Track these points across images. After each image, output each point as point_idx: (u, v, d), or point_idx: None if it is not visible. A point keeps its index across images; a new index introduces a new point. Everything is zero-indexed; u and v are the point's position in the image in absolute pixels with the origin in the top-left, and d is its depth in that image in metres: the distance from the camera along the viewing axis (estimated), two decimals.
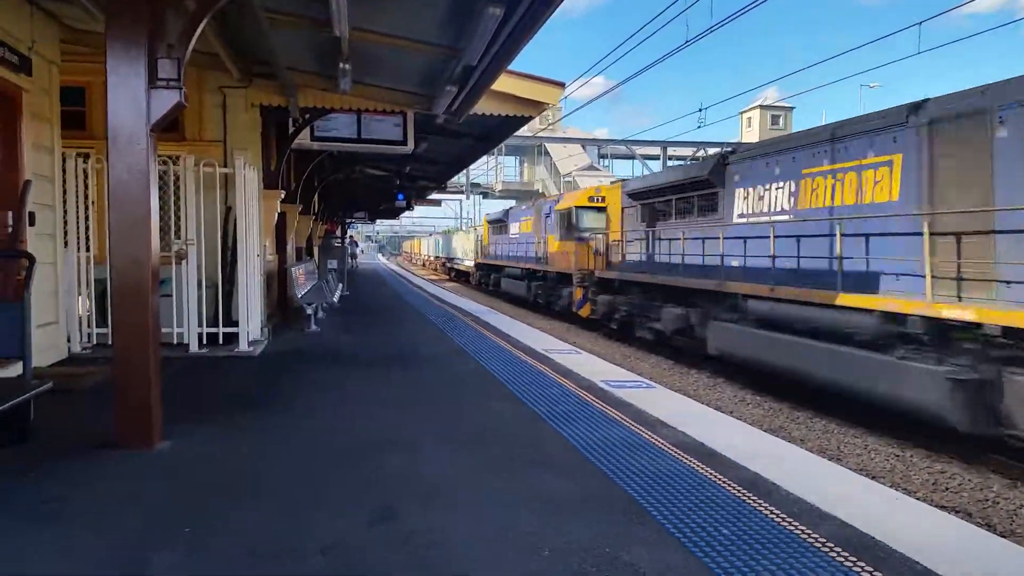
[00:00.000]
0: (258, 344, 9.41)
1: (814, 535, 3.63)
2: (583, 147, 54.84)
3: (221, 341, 9.08)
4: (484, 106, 10.45)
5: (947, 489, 7.72)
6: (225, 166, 9.46)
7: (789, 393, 12.21)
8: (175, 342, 8.79)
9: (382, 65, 9.04)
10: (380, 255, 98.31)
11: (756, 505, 4.03)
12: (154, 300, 4.90)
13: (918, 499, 7.14)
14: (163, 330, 8.72)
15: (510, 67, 9.57)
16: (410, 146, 11.56)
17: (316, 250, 20.49)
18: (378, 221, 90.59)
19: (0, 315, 4.76)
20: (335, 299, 13.76)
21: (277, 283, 13.17)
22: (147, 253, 4.81)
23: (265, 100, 10.33)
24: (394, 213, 40.85)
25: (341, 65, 8.43)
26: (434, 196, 32.84)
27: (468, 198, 59.48)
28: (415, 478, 4.46)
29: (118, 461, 4.60)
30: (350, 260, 41.94)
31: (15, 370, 5.39)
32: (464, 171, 53.08)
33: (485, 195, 62.12)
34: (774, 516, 3.87)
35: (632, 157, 53.76)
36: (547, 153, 57.81)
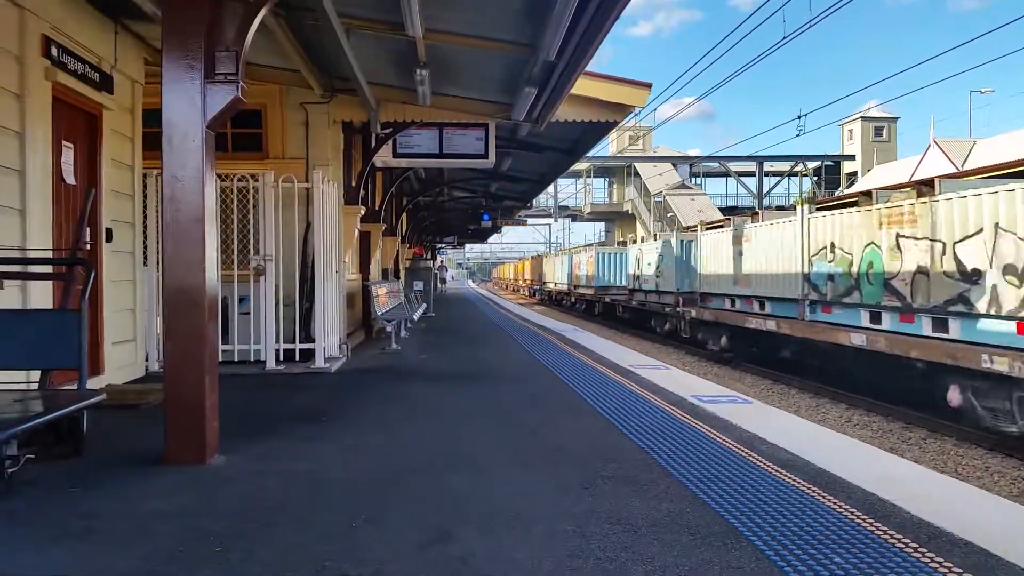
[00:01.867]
0: (335, 361, 9.22)
1: (946, 564, 3.01)
2: (674, 166, 53.73)
3: (298, 358, 8.92)
4: (566, 112, 10.09)
5: None
6: (307, 182, 9.38)
7: (899, 414, 11.28)
8: (252, 359, 8.69)
9: (460, 71, 8.79)
10: (470, 281, 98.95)
11: (874, 530, 3.41)
12: (210, 307, 4.66)
13: None
14: (240, 347, 8.74)
15: (592, 70, 9.23)
16: (491, 159, 11.29)
17: (403, 271, 20.48)
18: (467, 247, 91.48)
19: (56, 324, 4.61)
20: (415, 317, 13.54)
21: (360, 302, 13.06)
22: (201, 257, 4.58)
23: (347, 116, 10.27)
24: (482, 236, 40.92)
25: (418, 72, 8.22)
26: (522, 218, 32.19)
27: (556, 221, 59.23)
28: (480, 498, 4.03)
29: (167, 476, 4.34)
30: (440, 284, 42.30)
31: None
32: (552, 195, 52.97)
33: (574, 218, 61.83)
34: (896, 542, 3.25)
35: (726, 174, 52.35)
36: (636, 174, 56.98)
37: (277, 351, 8.74)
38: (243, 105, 4.85)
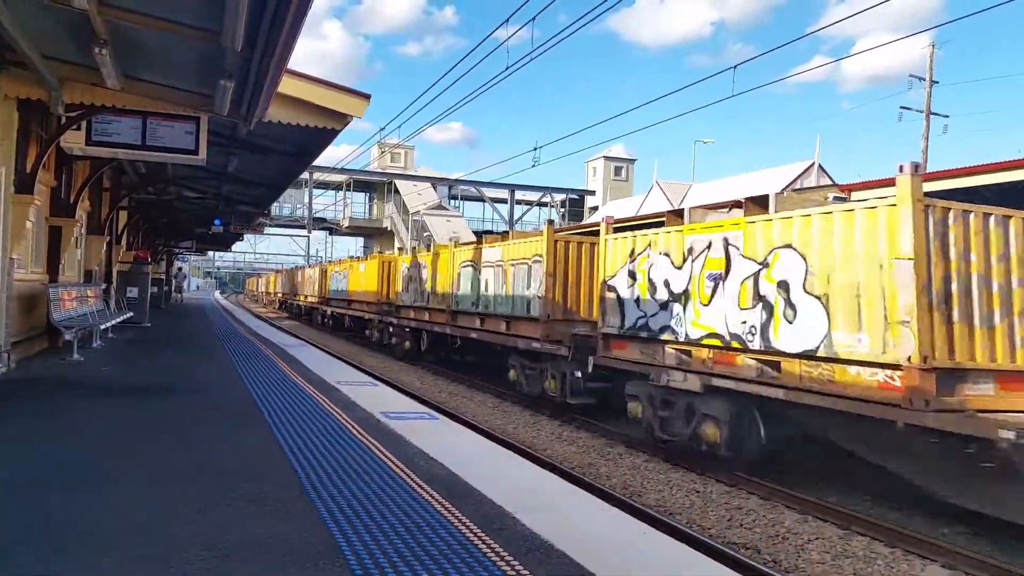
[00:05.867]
0: None
1: None
2: (433, 186, 54.36)
3: None
4: (281, 113, 9.61)
5: (741, 525, 7.46)
6: None
7: (605, 432, 11.94)
8: None
9: (152, 55, 8.04)
10: (218, 292, 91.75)
11: (479, 543, 3.37)
12: None
13: (711, 535, 6.88)
14: None
15: (311, 74, 8.89)
16: (202, 156, 10.42)
17: (115, 275, 18.60)
18: (218, 256, 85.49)
19: None
20: (105, 325, 12.26)
21: (46, 305, 11.54)
22: None
23: (22, 93, 8.96)
24: (225, 243, 38.54)
25: (97, 50, 7.36)
26: (260, 224, 29.56)
27: (311, 233, 57.58)
28: (76, 521, 3.53)
29: None
30: (175, 293, 39.13)
31: None
32: (305, 204, 51.41)
33: (331, 231, 60.48)
34: (493, 555, 3.22)
35: (481, 199, 53.88)
36: (397, 191, 56.94)
37: None
38: None
